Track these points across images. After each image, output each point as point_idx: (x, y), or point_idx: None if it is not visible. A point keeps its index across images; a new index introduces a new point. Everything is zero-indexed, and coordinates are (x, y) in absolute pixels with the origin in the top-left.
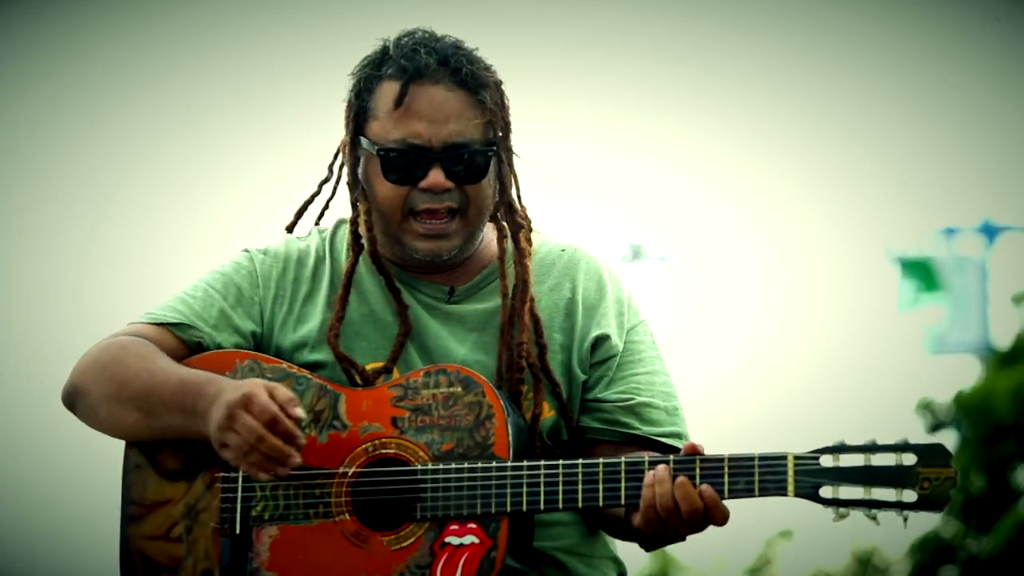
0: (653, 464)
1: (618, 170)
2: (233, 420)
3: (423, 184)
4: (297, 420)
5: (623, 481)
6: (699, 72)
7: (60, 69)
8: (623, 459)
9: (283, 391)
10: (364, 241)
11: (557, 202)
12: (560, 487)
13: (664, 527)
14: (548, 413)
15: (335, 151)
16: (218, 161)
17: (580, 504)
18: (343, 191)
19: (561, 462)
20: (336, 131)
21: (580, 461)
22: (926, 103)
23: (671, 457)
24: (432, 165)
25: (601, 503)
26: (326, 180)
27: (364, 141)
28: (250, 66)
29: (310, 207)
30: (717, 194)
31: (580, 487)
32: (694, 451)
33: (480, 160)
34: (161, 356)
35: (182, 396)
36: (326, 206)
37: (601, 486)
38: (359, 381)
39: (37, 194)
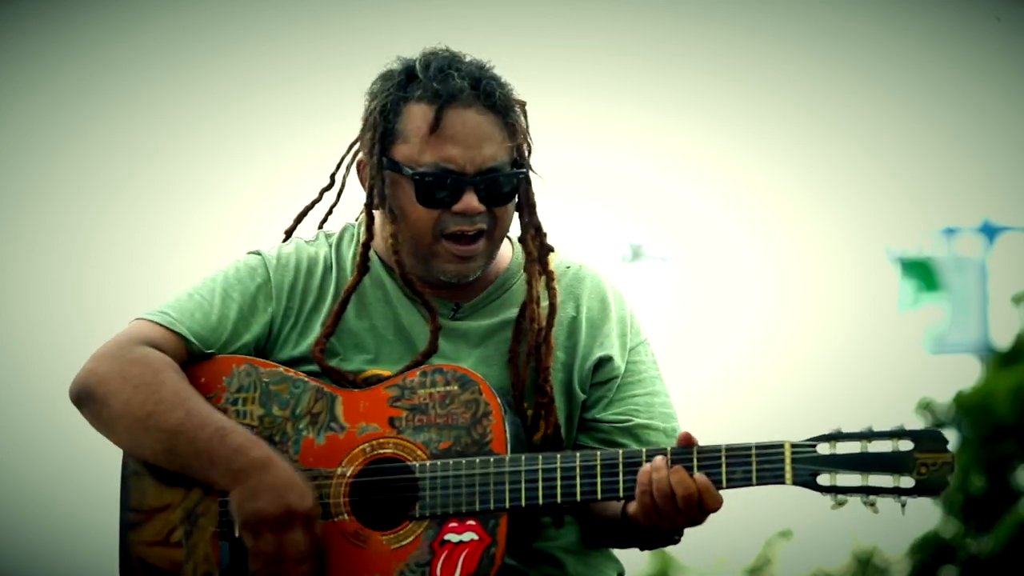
0: (651, 456)
1: (618, 170)
2: (286, 527)
3: (456, 208)
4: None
5: (621, 474)
6: (699, 72)
7: (60, 69)
8: (620, 452)
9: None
10: (393, 264)
11: (557, 202)
12: (558, 482)
13: (660, 515)
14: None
15: (338, 162)
16: (218, 161)
17: (579, 498)
18: (345, 198)
19: (559, 455)
20: (336, 134)
21: (577, 454)
22: (926, 103)
23: (668, 448)
24: (466, 189)
25: (600, 496)
26: (327, 188)
27: (392, 163)
28: (250, 67)
29: (309, 213)
30: (717, 194)
31: (578, 481)
32: (688, 441)
33: (511, 183)
34: (196, 394)
35: (219, 445)
36: (329, 211)
37: (599, 479)
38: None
39: (36, 195)
